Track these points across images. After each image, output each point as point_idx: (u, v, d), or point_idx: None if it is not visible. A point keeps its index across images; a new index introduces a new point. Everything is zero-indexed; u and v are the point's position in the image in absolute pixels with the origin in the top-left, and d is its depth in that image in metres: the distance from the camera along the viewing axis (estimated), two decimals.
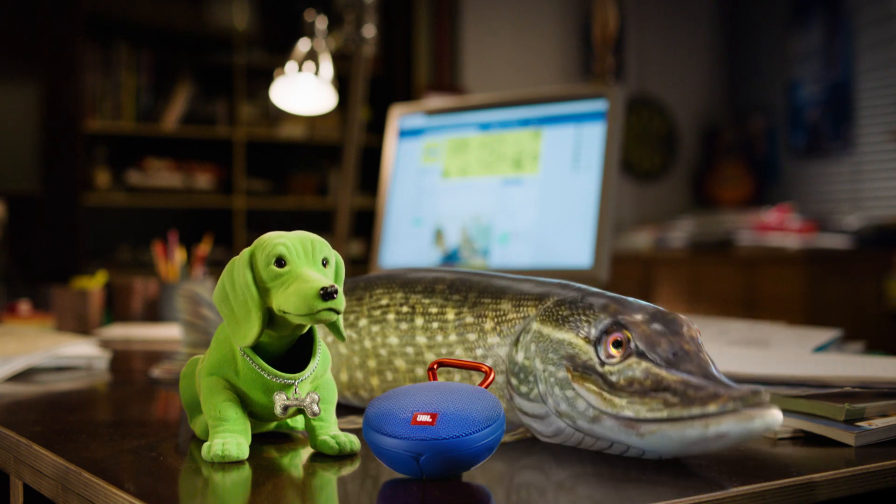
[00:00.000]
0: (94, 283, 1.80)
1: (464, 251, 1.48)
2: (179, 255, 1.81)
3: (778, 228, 3.65)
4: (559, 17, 4.52)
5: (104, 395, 1.09)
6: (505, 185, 1.47)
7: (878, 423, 0.75)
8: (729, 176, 4.71)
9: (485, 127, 1.51)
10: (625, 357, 0.67)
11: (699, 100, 4.90)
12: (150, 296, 1.83)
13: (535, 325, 0.73)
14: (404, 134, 1.61)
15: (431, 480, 0.62)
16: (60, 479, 0.69)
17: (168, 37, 3.87)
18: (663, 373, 0.66)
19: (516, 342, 0.74)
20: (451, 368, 0.79)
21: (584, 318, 0.71)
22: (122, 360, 1.33)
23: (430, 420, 0.62)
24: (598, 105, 1.39)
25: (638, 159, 4.72)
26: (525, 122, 1.47)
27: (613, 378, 0.67)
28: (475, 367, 0.71)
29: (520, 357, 0.74)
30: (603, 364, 0.68)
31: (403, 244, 1.56)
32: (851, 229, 3.73)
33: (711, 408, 0.63)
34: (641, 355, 0.67)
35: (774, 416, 0.63)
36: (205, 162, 3.88)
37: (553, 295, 0.75)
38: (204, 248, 1.85)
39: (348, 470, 0.67)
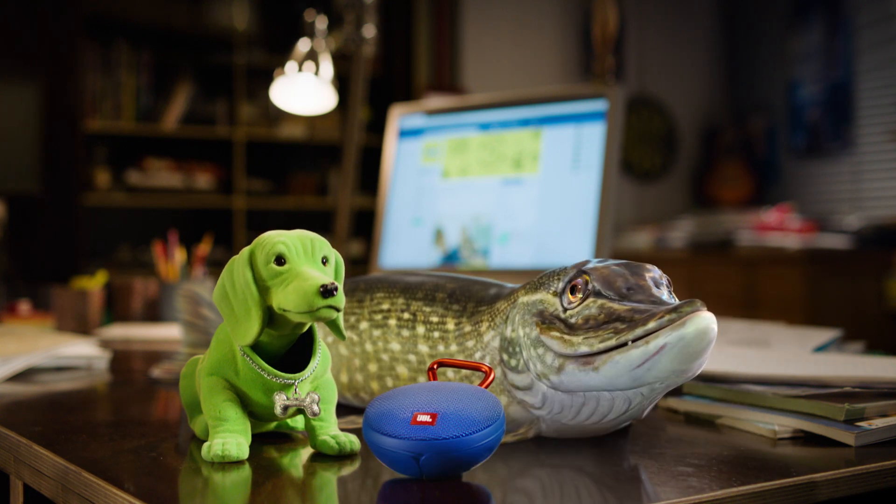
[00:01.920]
0: (94, 283, 1.80)
1: (464, 251, 1.48)
2: (179, 255, 1.81)
3: (778, 228, 3.65)
4: (559, 17, 4.52)
5: (104, 395, 1.09)
6: (505, 185, 1.47)
7: (878, 423, 0.75)
8: (729, 176, 4.71)
9: (485, 127, 1.51)
10: (583, 299, 0.69)
11: (699, 100, 4.90)
12: (150, 296, 1.83)
13: (521, 299, 0.75)
14: (404, 134, 1.61)
15: (431, 480, 0.62)
16: (60, 479, 0.69)
17: (168, 37, 3.87)
18: (615, 305, 0.68)
19: (506, 319, 0.76)
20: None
21: (556, 276, 0.73)
22: (122, 360, 1.33)
23: (430, 420, 0.62)
24: (598, 105, 1.39)
25: (638, 159, 4.72)
26: (525, 122, 1.47)
27: (573, 320, 0.69)
28: (475, 368, 0.71)
29: (508, 331, 0.75)
30: (565, 310, 0.70)
31: (403, 244, 1.56)
32: (851, 229, 3.73)
33: (651, 325, 0.64)
34: (598, 294, 0.69)
35: (705, 318, 0.64)
36: (205, 162, 3.88)
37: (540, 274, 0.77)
38: (204, 248, 1.85)
39: (348, 470, 0.67)
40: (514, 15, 4.42)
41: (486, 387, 0.69)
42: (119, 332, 1.61)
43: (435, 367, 0.72)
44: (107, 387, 1.13)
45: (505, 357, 0.75)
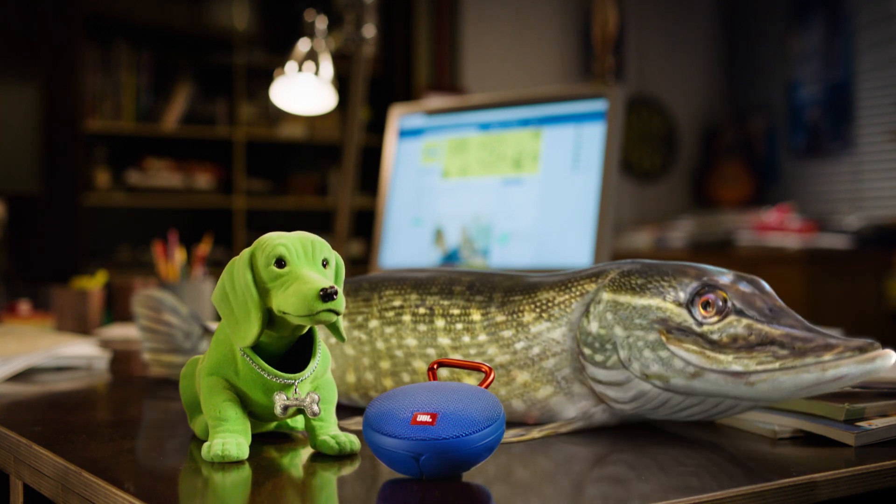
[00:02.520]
0: (94, 283, 1.80)
1: (464, 251, 1.48)
2: (179, 255, 1.81)
3: (778, 228, 3.65)
4: (559, 17, 4.52)
5: (104, 396, 1.09)
6: (505, 185, 1.47)
7: (878, 423, 0.75)
8: (729, 176, 4.71)
9: (485, 127, 1.51)
10: (723, 316, 0.71)
11: (699, 100, 4.90)
12: None
13: (607, 295, 0.76)
14: (404, 134, 1.61)
15: (431, 480, 0.62)
16: (60, 479, 0.69)
17: (168, 37, 3.87)
18: (766, 328, 0.70)
19: (586, 314, 0.76)
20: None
21: (664, 282, 0.74)
22: (122, 360, 1.33)
23: (430, 420, 0.62)
24: (598, 105, 1.39)
25: (638, 159, 4.72)
26: (525, 122, 1.47)
27: (715, 336, 0.71)
28: (475, 367, 0.71)
29: (593, 327, 0.76)
30: (700, 325, 0.71)
31: (403, 244, 1.56)
32: (851, 229, 3.73)
33: (827, 357, 0.67)
34: (740, 313, 0.71)
35: (891, 357, 0.66)
36: (205, 162, 3.88)
37: (611, 268, 0.78)
38: (204, 248, 1.85)
39: (348, 470, 0.67)
40: (514, 15, 4.42)
41: (487, 387, 0.69)
42: (119, 332, 1.61)
43: (435, 366, 0.72)
44: (107, 387, 1.13)
45: (587, 351, 0.76)
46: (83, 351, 1.24)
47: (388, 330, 0.85)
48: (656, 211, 4.67)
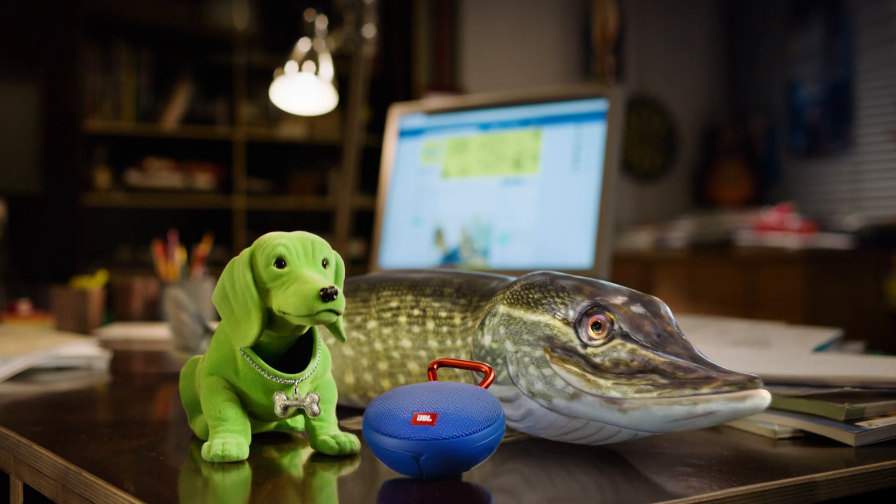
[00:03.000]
0: (94, 283, 1.80)
1: (464, 251, 1.48)
2: (179, 255, 1.81)
3: (778, 228, 3.65)
4: (559, 17, 4.52)
5: (104, 396, 1.09)
6: (505, 185, 1.47)
7: (878, 423, 0.75)
8: (729, 176, 4.71)
9: (485, 127, 1.51)
10: (608, 339, 0.68)
11: (699, 100, 4.90)
12: (149, 296, 1.83)
13: (503, 308, 0.74)
14: (404, 134, 1.61)
15: (431, 480, 0.62)
16: (60, 479, 0.69)
17: (168, 37, 3.87)
18: (650, 354, 0.67)
19: (482, 326, 0.75)
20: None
21: (558, 299, 0.71)
22: (122, 361, 1.33)
23: (430, 420, 0.62)
24: (598, 105, 1.39)
25: (638, 159, 4.72)
26: (525, 122, 1.47)
27: (598, 360, 0.68)
28: (475, 367, 0.71)
29: (486, 340, 0.74)
30: (585, 346, 0.68)
31: (403, 244, 1.56)
32: (851, 229, 3.73)
33: (704, 390, 0.64)
34: (626, 337, 0.68)
35: (764, 399, 0.63)
36: (205, 162, 3.88)
37: (520, 281, 0.76)
38: (204, 248, 1.85)
39: (348, 470, 0.67)
40: (514, 15, 4.42)
41: (487, 386, 0.69)
42: (119, 332, 1.61)
43: (435, 367, 0.72)
44: (107, 387, 1.13)
45: None
46: (83, 351, 1.24)
47: (386, 331, 0.85)
48: (656, 211, 4.67)
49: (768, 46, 4.72)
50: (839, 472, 0.65)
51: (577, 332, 0.69)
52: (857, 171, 4.23)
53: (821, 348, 1.14)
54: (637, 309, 0.70)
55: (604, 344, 0.68)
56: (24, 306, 1.84)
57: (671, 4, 4.82)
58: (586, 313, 0.69)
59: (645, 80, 4.74)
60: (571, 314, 0.70)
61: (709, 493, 0.59)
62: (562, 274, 0.74)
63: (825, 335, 1.20)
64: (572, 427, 0.70)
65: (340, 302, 0.65)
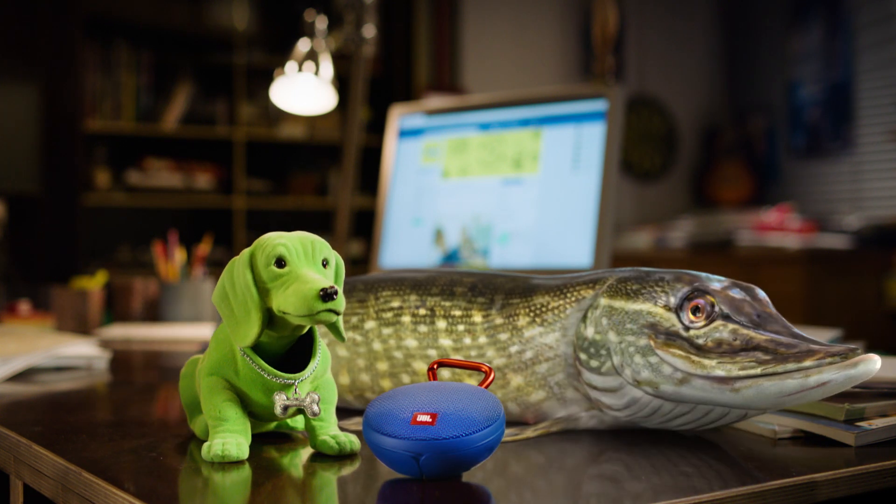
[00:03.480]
0: (94, 283, 1.80)
1: (464, 251, 1.48)
2: (179, 255, 1.81)
3: (778, 228, 3.65)
4: (559, 17, 4.52)
5: (104, 396, 1.09)
6: (505, 185, 1.47)
7: (878, 423, 0.75)
8: (729, 176, 4.71)
9: (485, 127, 1.51)
10: (710, 321, 0.71)
11: (699, 100, 4.90)
12: (150, 296, 1.83)
13: (604, 301, 0.76)
14: (404, 134, 1.61)
15: (431, 480, 0.62)
16: (60, 479, 0.69)
17: (168, 37, 3.87)
18: (751, 332, 0.70)
19: (584, 319, 0.77)
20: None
21: (658, 288, 0.74)
22: (122, 361, 1.33)
23: (430, 420, 0.62)
24: (598, 105, 1.39)
25: (638, 159, 4.72)
26: (525, 122, 1.47)
27: (700, 341, 0.71)
28: (475, 367, 0.71)
29: (590, 332, 0.76)
30: (688, 329, 0.71)
31: (403, 244, 1.56)
32: (851, 229, 3.73)
33: (807, 363, 0.66)
34: (727, 318, 0.71)
35: (874, 362, 0.66)
36: (205, 162, 3.88)
37: (609, 275, 0.78)
38: (204, 248, 1.85)
39: (348, 470, 0.67)
40: (514, 15, 4.42)
41: (487, 387, 0.69)
42: (119, 332, 1.61)
43: (435, 366, 0.72)
44: (107, 387, 1.13)
45: (583, 357, 0.76)
46: (83, 351, 1.24)
47: (387, 331, 0.85)
48: (656, 211, 4.67)
49: (768, 46, 4.72)
50: (839, 472, 0.65)
51: (678, 316, 0.72)
52: (857, 171, 4.23)
53: None
54: (736, 293, 0.73)
55: (705, 326, 0.71)
56: (24, 306, 1.84)
57: (671, 4, 4.82)
58: (687, 297, 0.72)
59: (645, 80, 4.74)
60: (673, 300, 0.73)
61: (709, 494, 0.59)
62: (651, 269, 0.77)
63: (825, 335, 1.20)
64: (678, 413, 0.72)
65: (340, 302, 0.65)
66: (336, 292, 0.65)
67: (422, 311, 0.84)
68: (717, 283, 0.74)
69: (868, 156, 4.19)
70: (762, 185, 4.67)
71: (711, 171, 4.79)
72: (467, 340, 0.81)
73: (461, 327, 0.82)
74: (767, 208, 3.91)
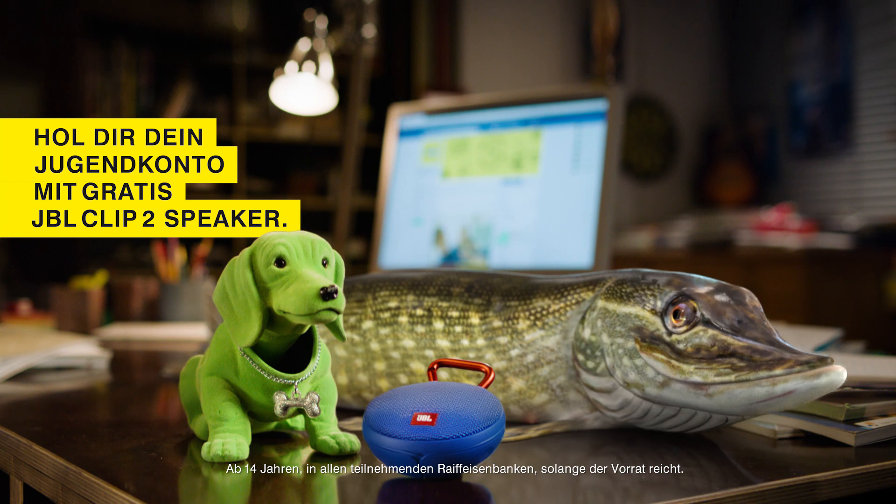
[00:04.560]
0: (94, 283, 1.80)
1: (464, 251, 1.48)
2: (179, 255, 1.81)
3: (778, 228, 3.65)
4: (559, 17, 4.52)
5: (104, 396, 1.09)
6: (505, 185, 1.47)
7: (878, 423, 0.75)
8: (729, 176, 4.71)
9: (485, 127, 1.51)
10: (691, 326, 0.71)
11: (699, 100, 4.90)
12: (149, 296, 1.83)
13: (601, 303, 0.76)
14: (404, 134, 1.61)
15: (431, 480, 0.62)
16: (60, 479, 0.69)
17: (168, 37, 3.87)
18: (729, 339, 0.70)
19: (582, 320, 0.77)
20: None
21: (648, 292, 0.74)
22: (122, 361, 1.33)
23: (430, 420, 0.62)
24: (598, 105, 1.39)
25: (638, 159, 4.72)
26: (525, 122, 1.47)
27: (681, 346, 0.71)
28: (475, 368, 0.71)
29: (586, 333, 0.76)
30: (670, 333, 0.72)
31: (403, 244, 1.56)
32: (851, 229, 3.72)
33: (777, 371, 0.67)
34: (707, 323, 0.71)
35: (839, 373, 0.66)
36: None
37: (609, 277, 0.79)
38: (204, 248, 1.85)
39: (348, 470, 0.67)
40: (513, 15, 4.42)
41: (486, 387, 0.69)
42: (119, 332, 1.61)
43: (435, 366, 0.72)
44: (106, 387, 1.13)
45: (581, 358, 0.76)
46: (83, 351, 1.24)
47: (384, 331, 0.85)
48: (656, 211, 4.67)
49: (768, 46, 4.72)
50: (839, 472, 0.65)
51: (663, 321, 0.72)
52: (857, 171, 4.23)
53: (821, 348, 1.14)
54: (720, 297, 0.73)
55: (687, 331, 0.71)
56: (24, 306, 1.84)
57: (671, 4, 4.81)
58: (672, 302, 0.73)
59: (645, 80, 4.74)
60: (660, 304, 0.73)
61: (709, 494, 0.59)
62: (651, 270, 0.78)
63: (825, 335, 1.20)
64: (667, 415, 0.73)
65: (340, 301, 0.65)
66: (336, 291, 0.65)
67: (419, 312, 0.84)
68: (704, 286, 0.74)
69: (868, 156, 4.19)
70: (762, 185, 4.67)
71: (711, 171, 4.79)
72: (465, 342, 0.81)
73: (458, 328, 0.82)
74: (767, 208, 3.91)
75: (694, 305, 0.72)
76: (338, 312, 0.65)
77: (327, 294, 0.64)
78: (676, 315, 0.72)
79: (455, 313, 0.82)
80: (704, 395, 0.69)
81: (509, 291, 0.81)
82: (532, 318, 0.79)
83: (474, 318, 0.81)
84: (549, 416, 0.79)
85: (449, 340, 0.82)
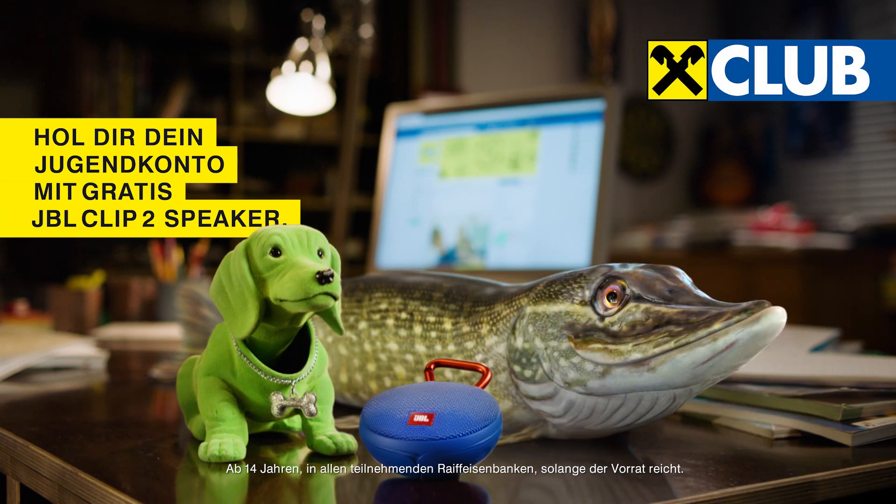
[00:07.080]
0: (92, 284, 1.79)
1: (461, 251, 1.48)
2: (176, 255, 1.81)
3: (775, 228, 3.65)
4: (556, 18, 4.52)
5: (101, 396, 1.09)
6: (502, 185, 1.47)
7: (875, 423, 0.75)
8: (726, 176, 4.71)
9: (482, 127, 1.51)
10: (623, 304, 0.69)
11: (696, 100, 4.90)
12: (147, 296, 1.83)
13: (529, 308, 0.74)
14: (402, 134, 1.61)
15: (428, 480, 0.62)
16: (57, 479, 0.69)
17: (165, 37, 3.87)
18: (663, 308, 0.68)
19: (513, 330, 0.75)
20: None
21: (576, 285, 0.73)
22: (120, 361, 1.33)
23: (427, 420, 0.62)
24: (596, 105, 1.39)
25: (635, 159, 4.72)
26: (522, 123, 1.47)
27: (615, 328, 0.69)
28: (472, 368, 0.71)
29: (519, 342, 0.74)
30: (602, 318, 0.70)
31: (401, 244, 1.56)
32: (849, 229, 3.73)
33: (717, 325, 0.65)
34: (639, 298, 0.69)
35: (778, 314, 0.64)
36: None
37: (542, 281, 0.77)
38: (201, 248, 1.85)
39: (345, 470, 0.67)
40: (511, 15, 4.42)
41: (484, 387, 0.69)
42: (116, 332, 1.61)
43: (432, 367, 0.72)
44: (104, 387, 1.13)
45: (517, 368, 0.74)
46: (80, 351, 1.24)
47: (374, 332, 0.85)
48: (654, 211, 4.67)
49: None
50: (836, 472, 0.65)
51: (594, 308, 0.70)
52: (854, 172, 4.24)
53: (818, 348, 1.14)
54: (648, 272, 0.71)
55: (619, 310, 0.69)
56: (21, 306, 1.84)
57: (668, 4, 4.82)
58: (600, 286, 0.71)
59: (642, 80, 4.74)
60: (587, 294, 0.71)
61: (705, 494, 0.59)
62: (583, 268, 0.76)
63: (822, 335, 1.20)
64: (613, 407, 0.70)
65: (337, 285, 0.65)
66: (332, 275, 0.64)
67: (403, 315, 0.83)
68: (630, 266, 0.72)
69: (865, 156, 4.19)
70: (759, 186, 4.67)
71: (709, 171, 4.79)
72: (438, 348, 0.81)
73: (434, 334, 0.81)
74: (765, 208, 3.92)
75: (622, 283, 0.70)
76: (335, 297, 0.65)
77: (323, 277, 0.64)
78: (611, 297, 0.70)
79: (432, 318, 0.82)
80: (647, 370, 0.66)
81: (479, 297, 0.80)
82: (490, 323, 0.78)
83: (447, 324, 0.81)
84: (517, 423, 0.77)
85: (425, 346, 0.81)
